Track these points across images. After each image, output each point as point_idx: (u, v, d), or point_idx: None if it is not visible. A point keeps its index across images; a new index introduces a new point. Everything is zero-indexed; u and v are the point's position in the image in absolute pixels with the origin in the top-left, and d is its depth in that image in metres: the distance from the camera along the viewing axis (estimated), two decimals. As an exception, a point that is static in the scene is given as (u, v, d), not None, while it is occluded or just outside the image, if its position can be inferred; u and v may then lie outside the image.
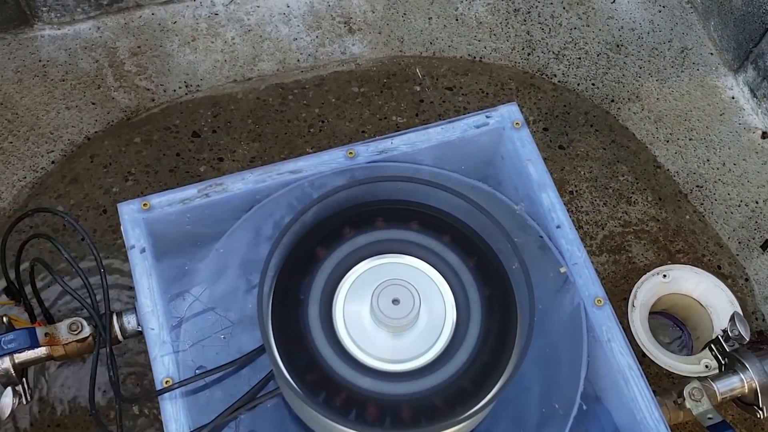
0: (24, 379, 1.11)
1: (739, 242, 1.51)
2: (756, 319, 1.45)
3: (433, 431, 0.81)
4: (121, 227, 1.02)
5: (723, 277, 1.47)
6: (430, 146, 1.09)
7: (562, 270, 1.01)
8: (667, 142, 1.64)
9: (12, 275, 1.17)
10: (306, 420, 0.90)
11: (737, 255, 1.52)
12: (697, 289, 1.43)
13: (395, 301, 0.85)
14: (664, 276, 1.43)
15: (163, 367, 0.94)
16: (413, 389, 0.84)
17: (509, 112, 1.12)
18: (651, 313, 1.45)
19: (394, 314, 0.84)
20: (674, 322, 1.51)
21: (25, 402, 1.08)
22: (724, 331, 1.11)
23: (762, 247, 1.46)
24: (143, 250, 1.00)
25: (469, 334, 0.87)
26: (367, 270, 0.91)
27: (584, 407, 0.94)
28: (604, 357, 0.96)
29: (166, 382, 0.92)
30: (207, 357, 0.97)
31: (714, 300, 1.42)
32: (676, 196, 1.58)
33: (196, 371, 0.94)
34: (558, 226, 1.04)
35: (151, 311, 0.97)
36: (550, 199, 1.06)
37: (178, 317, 0.98)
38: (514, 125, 1.12)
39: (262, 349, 0.95)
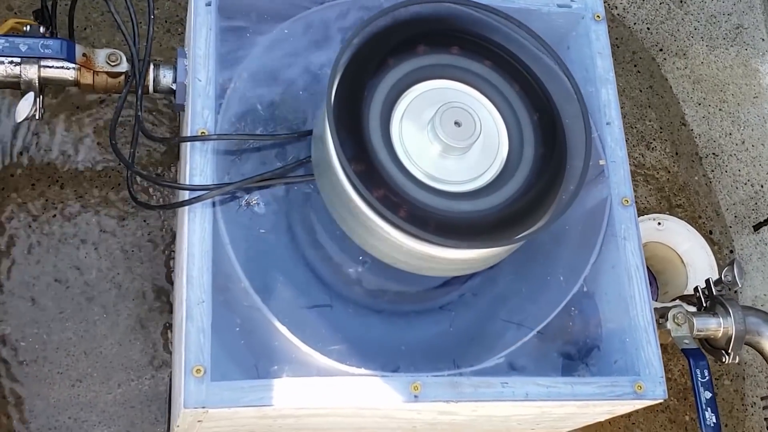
0: (42, 96, 1.08)
1: (735, 216, 1.54)
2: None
3: (443, 243, 0.81)
4: (192, -24, 0.99)
5: (711, 243, 1.51)
6: (509, 8, 1.07)
7: (601, 162, 1.02)
8: (699, 104, 1.66)
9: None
10: (332, 203, 0.89)
11: (730, 227, 1.56)
12: (683, 245, 1.47)
13: (457, 123, 0.85)
14: (659, 223, 1.47)
15: (202, 119, 0.92)
16: (451, 207, 0.84)
17: (594, 3, 1.11)
18: (627, 258, 1.48)
19: (454, 134, 0.84)
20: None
21: (37, 117, 1.06)
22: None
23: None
24: (209, 4, 0.97)
25: (516, 175, 0.88)
26: (432, 89, 0.90)
27: (585, 289, 0.96)
28: (616, 252, 0.98)
29: (201, 133, 0.91)
30: (246, 129, 0.96)
31: (697, 260, 1.46)
32: (691, 156, 1.61)
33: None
34: (608, 123, 1.05)
35: (202, 62, 0.95)
36: (608, 96, 1.07)
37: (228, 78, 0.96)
38: (595, 17, 1.11)
39: (305, 133, 0.94)
